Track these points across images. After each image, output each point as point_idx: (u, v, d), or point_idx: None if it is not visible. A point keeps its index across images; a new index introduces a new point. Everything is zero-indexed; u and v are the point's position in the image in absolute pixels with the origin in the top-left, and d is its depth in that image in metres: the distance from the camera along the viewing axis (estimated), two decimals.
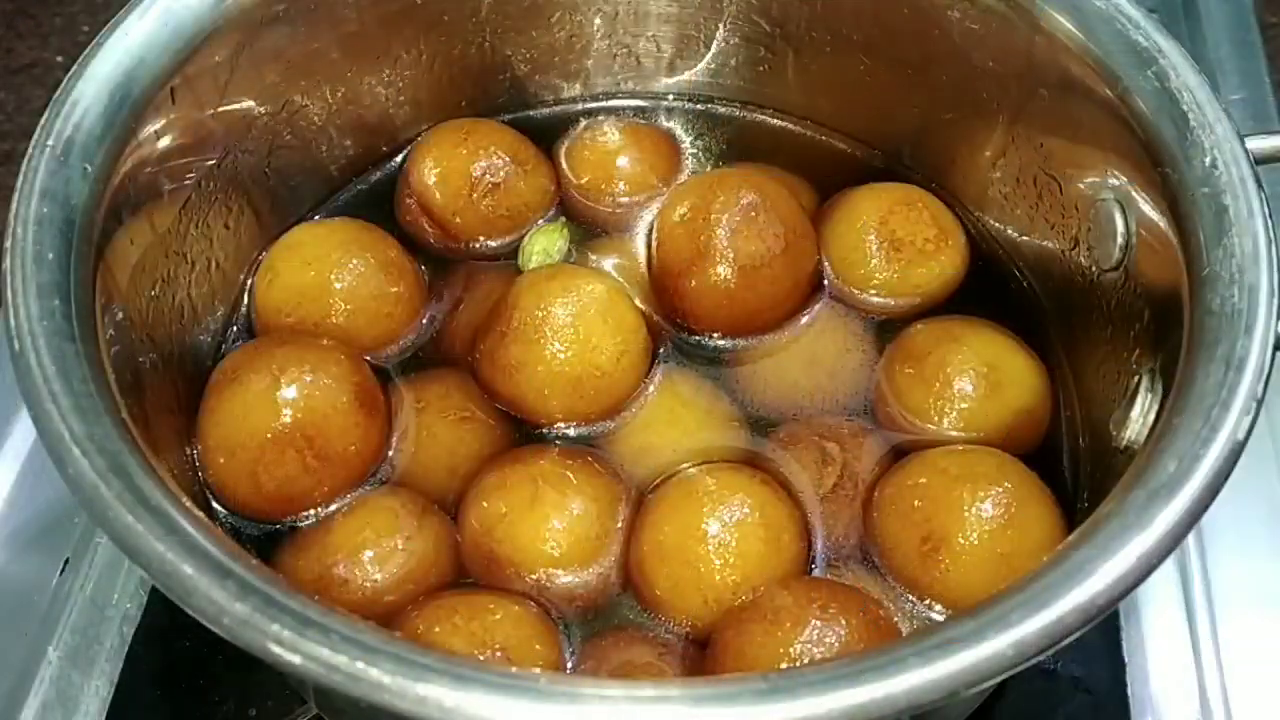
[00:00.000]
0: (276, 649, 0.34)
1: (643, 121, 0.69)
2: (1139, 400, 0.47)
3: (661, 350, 0.58)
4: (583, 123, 0.68)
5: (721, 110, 0.70)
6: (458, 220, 0.62)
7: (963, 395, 0.54)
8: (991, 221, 0.62)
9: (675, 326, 0.59)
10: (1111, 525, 0.37)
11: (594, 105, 0.70)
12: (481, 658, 0.45)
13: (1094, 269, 0.54)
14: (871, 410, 0.56)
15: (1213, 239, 0.43)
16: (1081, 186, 0.54)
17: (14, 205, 0.43)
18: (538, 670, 0.36)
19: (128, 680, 0.58)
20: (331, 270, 0.56)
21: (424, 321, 0.59)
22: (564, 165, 0.66)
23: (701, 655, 0.48)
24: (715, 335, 0.58)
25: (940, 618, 0.49)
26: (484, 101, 0.68)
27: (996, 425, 0.53)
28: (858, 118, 0.66)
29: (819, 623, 0.45)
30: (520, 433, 0.55)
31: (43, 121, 0.46)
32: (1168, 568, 0.62)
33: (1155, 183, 0.47)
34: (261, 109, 0.58)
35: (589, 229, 0.64)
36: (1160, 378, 0.46)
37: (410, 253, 0.60)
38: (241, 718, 0.56)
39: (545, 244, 0.62)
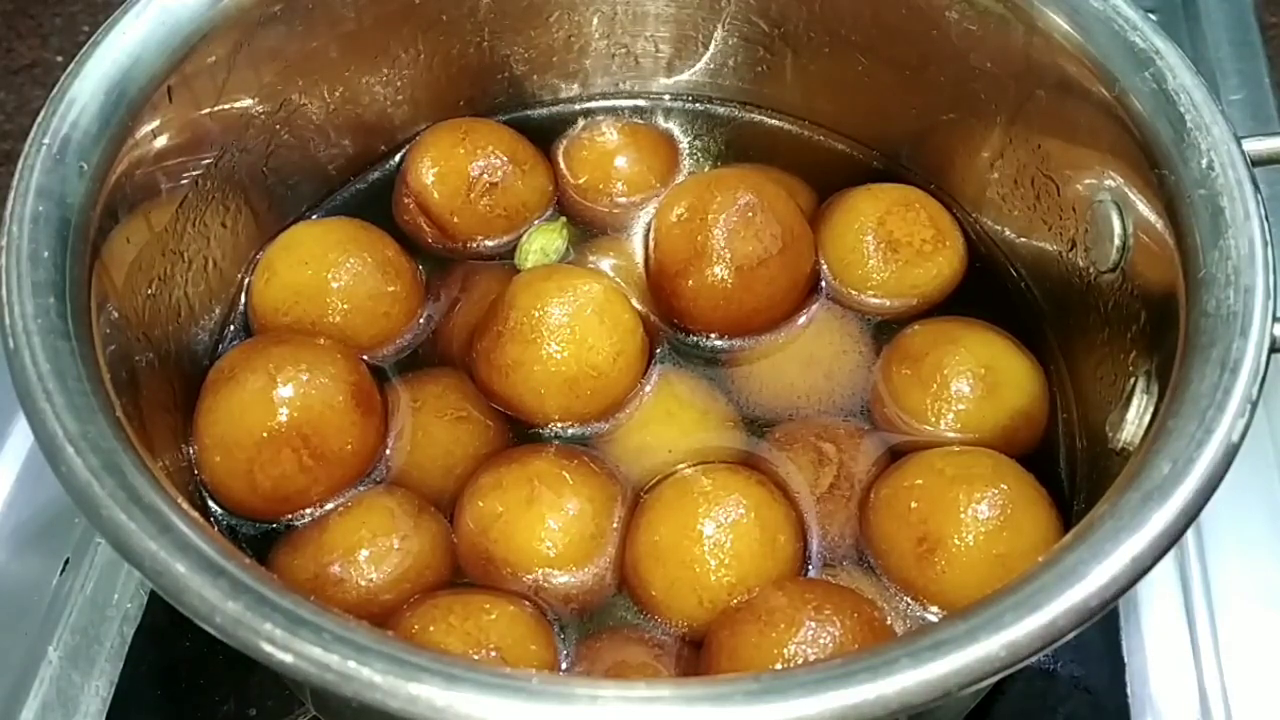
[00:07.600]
0: (268, 648, 0.34)
1: (641, 121, 0.69)
2: (1135, 402, 0.47)
3: (658, 350, 0.58)
4: (581, 123, 0.68)
5: (720, 110, 0.70)
6: (455, 220, 0.62)
7: (960, 396, 0.54)
8: (989, 223, 0.62)
9: (672, 326, 0.59)
10: (1105, 527, 0.37)
11: (592, 105, 0.70)
12: (476, 657, 0.45)
13: (1091, 270, 0.54)
14: (868, 411, 0.56)
15: (1209, 241, 0.43)
16: (1079, 188, 0.54)
17: (9, 203, 0.43)
18: (530, 670, 0.36)
19: (128, 680, 0.58)
20: (329, 269, 0.56)
21: (421, 321, 0.59)
22: (562, 165, 0.66)
23: (697, 656, 0.48)
24: (712, 335, 0.58)
25: (936, 619, 0.49)
26: (482, 101, 0.68)
27: (993, 426, 0.53)
28: (856, 118, 0.66)
29: (813, 624, 0.45)
30: (517, 432, 0.55)
31: (39, 120, 0.46)
32: (1167, 568, 0.62)
33: (1152, 184, 0.47)
34: (259, 108, 0.58)
35: (587, 229, 0.64)
36: (1156, 379, 0.46)
37: (408, 252, 0.60)
38: (241, 718, 0.56)
39: (543, 243, 0.62)
